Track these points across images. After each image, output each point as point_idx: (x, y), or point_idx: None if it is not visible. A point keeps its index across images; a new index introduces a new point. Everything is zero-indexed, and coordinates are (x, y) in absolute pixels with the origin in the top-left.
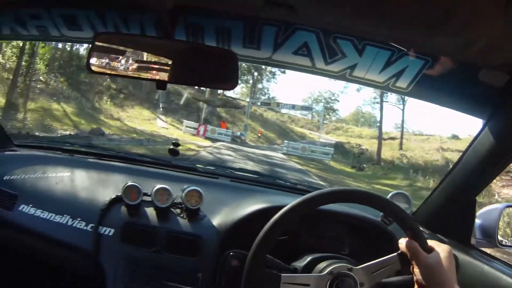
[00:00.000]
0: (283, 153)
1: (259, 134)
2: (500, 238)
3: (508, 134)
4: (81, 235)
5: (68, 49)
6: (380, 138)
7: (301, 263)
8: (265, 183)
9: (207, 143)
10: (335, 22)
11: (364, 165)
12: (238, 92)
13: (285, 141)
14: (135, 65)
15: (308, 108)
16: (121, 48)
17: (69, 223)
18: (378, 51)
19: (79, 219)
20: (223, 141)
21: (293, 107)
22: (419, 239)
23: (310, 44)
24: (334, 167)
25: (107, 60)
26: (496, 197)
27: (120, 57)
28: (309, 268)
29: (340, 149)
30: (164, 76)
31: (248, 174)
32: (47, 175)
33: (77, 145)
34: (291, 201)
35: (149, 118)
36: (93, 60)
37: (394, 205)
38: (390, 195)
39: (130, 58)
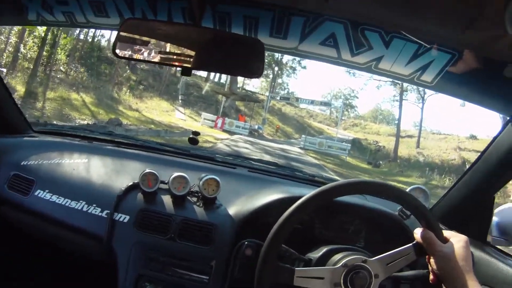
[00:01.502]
0: (300, 148)
1: (277, 128)
2: None
3: None
4: (96, 221)
5: (90, 40)
6: (397, 135)
7: (316, 254)
8: (282, 174)
9: (225, 135)
10: (365, 13)
11: (380, 162)
12: (257, 86)
13: (303, 135)
14: (161, 51)
15: (327, 104)
16: (148, 34)
17: (85, 209)
18: (405, 44)
19: (94, 205)
20: (241, 134)
21: (312, 102)
22: (435, 229)
23: (337, 35)
24: (350, 162)
25: (133, 46)
26: None
27: (147, 43)
28: (323, 259)
29: (357, 146)
30: (189, 63)
31: (266, 165)
32: (64, 161)
33: (96, 132)
34: (308, 193)
35: (168, 109)
36: (119, 46)
37: (410, 196)
38: (408, 189)
39: (156, 44)
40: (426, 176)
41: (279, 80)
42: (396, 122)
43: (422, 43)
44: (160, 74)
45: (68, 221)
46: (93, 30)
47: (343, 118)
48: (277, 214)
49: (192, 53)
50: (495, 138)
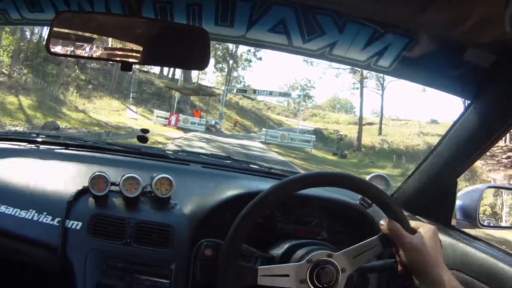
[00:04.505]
0: (262, 142)
1: (235, 122)
2: (481, 218)
3: (493, 115)
4: (48, 230)
5: (36, 40)
6: (360, 123)
7: (279, 250)
8: (237, 168)
9: (179, 133)
10: None
11: (346, 152)
12: (213, 81)
13: (263, 129)
14: (98, 46)
15: (286, 95)
16: (83, 27)
17: (35, 218)
18: (360, 28)
19: (45, 213)
20: (197, 131)
21: (270, 93)
22: (402, 220)
23: (287, 21)
24: (316, 155)
25: (68, 41)
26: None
27: (82, 38)
28: (287, 256)
29: (318, 136)
30: (129, 56)
31: (220, 160)
32: (11, 168)
33: (43, 135)
34: (265, 187)
35: (118, 109)
36: (53, 41)
37: (373, 186)
38: (368, 177)
39: (93, 39)
40: (400, 166)
41: (235, 74)
42: (355, 110)
43: (377, 28)
44: (110, 72)
45: (19, 232)
46: (39, 28)
47: (301, 108)
48: (234, 212)
49: (132, 46)
50: (456, 121)
